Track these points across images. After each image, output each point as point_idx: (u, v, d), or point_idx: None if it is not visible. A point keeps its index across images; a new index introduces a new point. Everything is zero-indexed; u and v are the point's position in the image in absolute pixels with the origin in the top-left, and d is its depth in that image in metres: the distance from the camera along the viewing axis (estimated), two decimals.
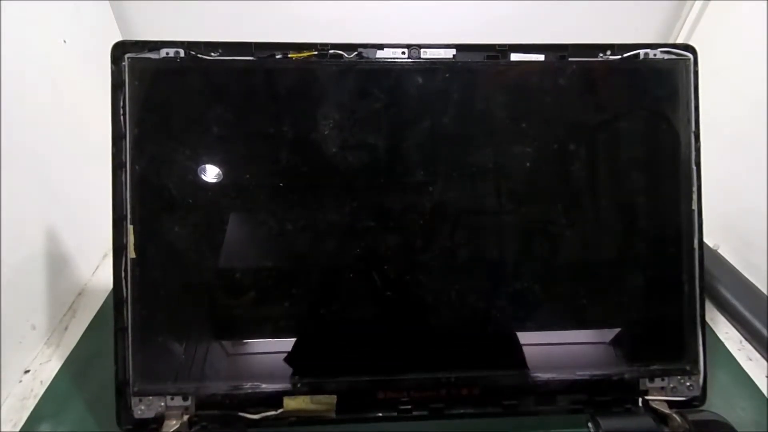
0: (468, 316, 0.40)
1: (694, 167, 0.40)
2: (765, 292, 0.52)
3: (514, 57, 0.39)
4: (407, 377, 0.39)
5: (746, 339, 0.51)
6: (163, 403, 0.37)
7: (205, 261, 0.38)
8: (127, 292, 0.37)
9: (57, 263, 0.51)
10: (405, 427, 0.39)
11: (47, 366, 0.47)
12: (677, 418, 0.38)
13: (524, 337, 0.40)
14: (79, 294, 0.55)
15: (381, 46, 0.39)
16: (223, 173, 0.38)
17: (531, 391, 0.40)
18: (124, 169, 0.37)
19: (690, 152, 0.40)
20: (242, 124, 0.39)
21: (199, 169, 0.38)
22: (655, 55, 0.40)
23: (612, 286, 0.41)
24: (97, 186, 0.50)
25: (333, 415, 0.38)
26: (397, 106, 0.39)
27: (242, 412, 0.38)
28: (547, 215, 0.40)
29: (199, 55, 0.37)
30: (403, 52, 0.39)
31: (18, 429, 0.41)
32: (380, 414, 0.39)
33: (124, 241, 0.37)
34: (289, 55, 0.38)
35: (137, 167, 0.37)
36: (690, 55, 0.40)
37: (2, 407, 0.43)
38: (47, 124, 0.50)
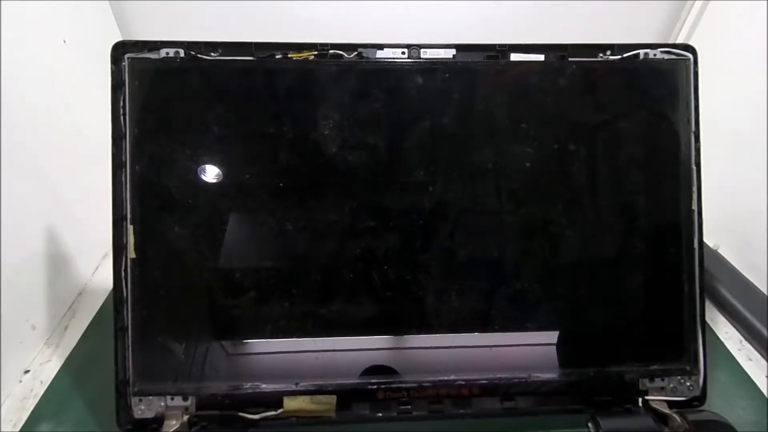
0: (468, 317, 0.40)
1: (694, 167, 0.40)
2: (765, 292, 0.52)
3: (514, 57, 0.39)
4: (407, 377, 0.39)
5: (746, 339, 0.51)
6: (163, 403, 0.37)
7: (205, 261, 0.38)
8: (127, 292, 0.37)
9: (57, 263, 0.51)
10: (405, 427, 0.39)
11: (47, 366, 0.47)
12: (677, 418, 0.38)
13: (524, 337, 0.40)
14: (79, 294, 0.55)
15: (381, 46, 0.39)
16: (223, 173, 0.38)
17: (531, 391, 0.40)
18: (124, 169, 0.37)
19: (690, 152, 0.40)
20: (242, 124, 0.39)
21: (199, 169, 0.38)
22: (655, 55, 0.40)
23: (612, 286, 0.41)
24: (97, 186, 0.50)
25: (333, 415, 0.38)
26: (397, 106, 0.39)
27: (242, 412, 0.38)
28: (547, 215, 0.40)
29: (199, 55, 0.37)
30: (403, 52, 0.39)
31: (18, 429, 0.41)
32: (380, 414, 0.39)
33: (124, 241, 0.37)
34: (289, 55, 0.38)
35: (137, 167, 0.37)
36: (690, 55, 0.40)
37: (2, 407, 0.43)
38: (47, 125, 0.50)
